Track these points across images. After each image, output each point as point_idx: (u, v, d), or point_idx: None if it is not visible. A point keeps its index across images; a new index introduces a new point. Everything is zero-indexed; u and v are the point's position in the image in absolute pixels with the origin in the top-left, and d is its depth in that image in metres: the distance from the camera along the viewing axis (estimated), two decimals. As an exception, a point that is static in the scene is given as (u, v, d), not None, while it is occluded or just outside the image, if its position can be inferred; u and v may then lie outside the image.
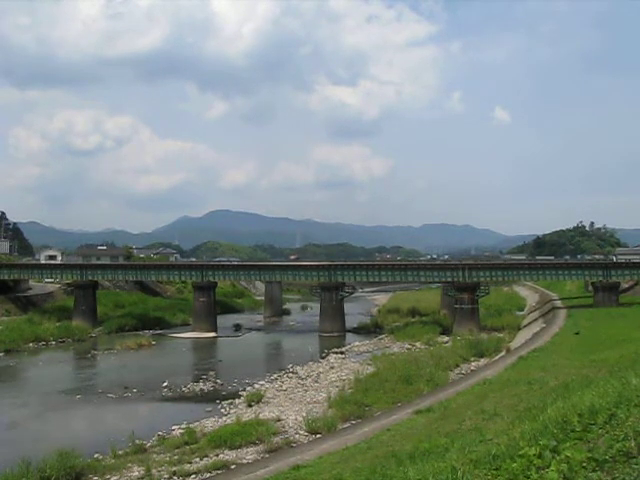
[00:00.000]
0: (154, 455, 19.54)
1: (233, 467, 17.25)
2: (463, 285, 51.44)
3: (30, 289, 63.69)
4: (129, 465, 18.46)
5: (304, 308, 79.50)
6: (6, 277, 59.13)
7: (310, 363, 37.71)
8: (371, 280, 60.11)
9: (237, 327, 58.53)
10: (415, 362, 32.43)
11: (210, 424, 23.33)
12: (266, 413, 24.07)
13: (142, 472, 17.63)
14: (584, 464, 5.24)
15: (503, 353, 35.11)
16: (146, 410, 28.30)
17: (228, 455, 18.72)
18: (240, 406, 26.64)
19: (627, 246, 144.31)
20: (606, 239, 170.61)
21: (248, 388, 30.36)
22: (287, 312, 74.40)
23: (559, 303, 55.81)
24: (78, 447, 18.87)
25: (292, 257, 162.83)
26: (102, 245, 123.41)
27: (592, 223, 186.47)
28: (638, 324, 31.36)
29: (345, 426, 20.49)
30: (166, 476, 17.20)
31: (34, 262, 75.76)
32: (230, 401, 27.79)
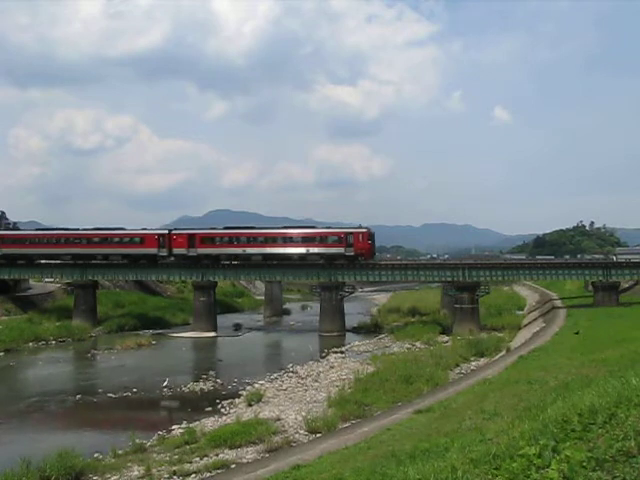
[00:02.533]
0: (154, 455, 19.54)
1: (233, 466, 17.25)
2: (463, 285, 51.41)
3: (30, 289, 63.68)
4: (129, 465, 18.45)
5: (304, 308, 79.47)
6: (6, 277, 59.10)
7: (310, 362, 37.69)
8: (371, 280, 60.00)
9: (237, 327, 58.53)
10: (415, 362, 32.41)
11: (210, 424, 23.31)
12: (266, 412, 24.04)
13: (142, 471, 17.63)
14: (584, 463, 5.24)
15: (503, 353, 35.10)
16: (146, 410, 28.31)
17: (228, 454, 18.71)
18: (240, 406, 26.62)
19: (627, 246, 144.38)
20: (606, 239, 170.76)
21: (248, 387, 30.34)
22: (287, 312, 74.36)
23: (559, 303, 55.80)
24: (78, 447, 18.87)
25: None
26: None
27: (592, 223, 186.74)
28: (638, 324, 31.33)
29: (345, 426, 20.47)
30: (166, 475, 17.19)
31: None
32: (230, 401, 27.77)
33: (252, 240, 55.29)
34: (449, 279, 53.57)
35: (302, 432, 20.90)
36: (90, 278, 58.00)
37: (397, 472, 8.28)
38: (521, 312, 61.94)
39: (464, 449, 7.95)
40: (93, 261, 57.74)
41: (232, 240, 55.82)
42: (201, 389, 31.05)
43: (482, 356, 36.44)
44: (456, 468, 6.31)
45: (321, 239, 54.28)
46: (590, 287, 54.40)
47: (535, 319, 50.47)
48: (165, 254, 56.03)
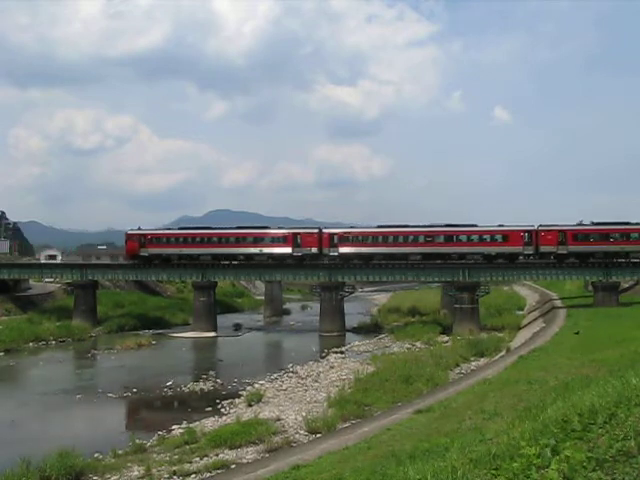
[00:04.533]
0: (154, 455, 19.53)
1: (233, 467, 17.25)
2: (463, 285, 51.40)
3: (30, 289, 63.62)
4: (129, 465, 18.45)
5: (304, 308, 79.44)
6: (6, 277, 59.04)
7: (310, 363, 37.67)
8: (371, 280, 59.97)
9: (237, 327, 58.53)
10: (415, 362, 32.41)
11: (210, 424, 23.31)
12: (266, 413, 24.04)
13: (142, 472, 17.63)
14: (584, 464, 5.24)
15: (503, 353, 35.09)
16: (146, 410, 28.30)
17: (228, 455, 18.70)
18: (240, 406, 26.61)
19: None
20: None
21: (248, 388, 30.32)
22: (287, 312, 74.37)
23: (559, 303, 55.79)
24: (78, 447, 18.85)
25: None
26: (102, 245, 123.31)
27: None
28: (638, 324, 31.33)
29: (345, 426, 20.48)
30: (166, 476, 17.19)
31: (34, 262, 75.63)
32: (230, 401, 27.77)
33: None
34: (449, 279, 53.55)
35: (302, 432, 20.89)
36: (90, 278, 57.99)
37: (397, 472, 8.29)
38: (521, 312, 61.90)
39: (464, 449, 7.95)
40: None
41: (608, 237, 51.95)
42: (201, 389, 31.03)
43: (482, 356, 36.43)
44: (456, 468, 6.31)
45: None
46: (590, 287, 54.36)
47: (535, 319, 50.46)
48: (531, 252, 52.28)
